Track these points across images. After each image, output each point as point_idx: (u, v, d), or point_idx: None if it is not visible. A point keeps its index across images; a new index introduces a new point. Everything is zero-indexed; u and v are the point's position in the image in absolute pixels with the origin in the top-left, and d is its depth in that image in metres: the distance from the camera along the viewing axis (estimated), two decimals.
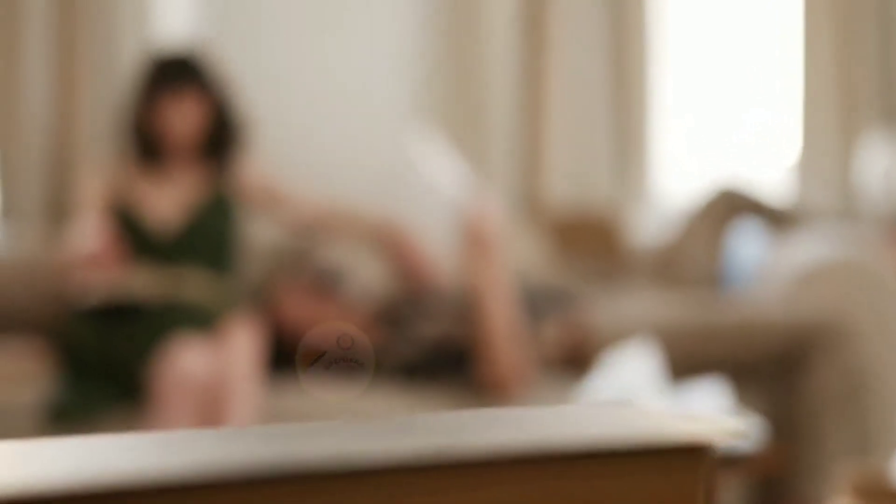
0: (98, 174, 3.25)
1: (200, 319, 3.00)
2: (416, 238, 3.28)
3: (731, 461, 2.64)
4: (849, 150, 3.88)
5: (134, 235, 3.13)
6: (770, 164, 3.95)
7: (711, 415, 2.19)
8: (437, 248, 3.26)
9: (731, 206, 3.56)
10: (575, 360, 3.19)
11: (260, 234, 3.41)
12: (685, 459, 0.70)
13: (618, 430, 0.69)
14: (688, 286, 3.54)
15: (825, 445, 3.12)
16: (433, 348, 3.09)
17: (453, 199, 3.20)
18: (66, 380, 2.99)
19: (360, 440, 0.65)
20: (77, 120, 3.55)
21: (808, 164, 3.87)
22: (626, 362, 2.73)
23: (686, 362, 3.06)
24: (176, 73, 3.20)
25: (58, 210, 3.55)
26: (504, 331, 3.03)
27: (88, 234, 3.06)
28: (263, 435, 0.69)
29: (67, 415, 2.91)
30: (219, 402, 2.88)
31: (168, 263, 3.11)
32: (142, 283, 3.05)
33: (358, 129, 3.75)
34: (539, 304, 3.24)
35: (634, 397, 2.58)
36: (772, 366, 3.16)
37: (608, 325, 3.17)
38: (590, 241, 3.67)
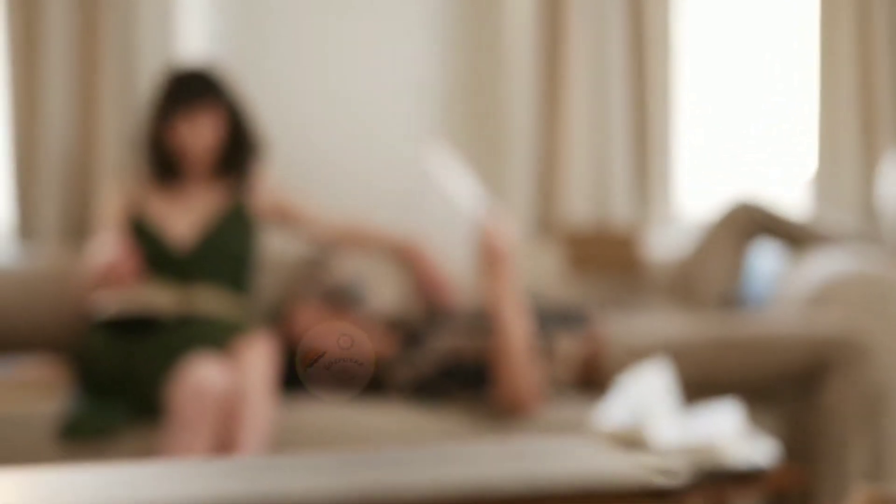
0: (116, 190, 3.26)
1: (216, 335, 3.01)
2: (433, 255, 3.28)
3: (745, 481, 2.63)
4: (867, 169, 3.87)
5: (151, 251, 3.14)
6: (788, 182, 3.94)
7: (695, 443, 2.13)
8: (454, 266, 3.27)
9: (749, 223, 3.55)
10: (591, 379, 3.19)
11: (275, 249, 3.41)
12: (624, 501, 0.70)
13: (555, 473, 0.69)
14: (706, 304, 3.53)
15: (842, 466, 3.10)
16: (444, 361, 3.09)
17: (470, 217, 3.20)
18: (82, 394, 3.00)
19: (314, 478, 0.66)
20: (96, 137, 3.56)
21: (826, 182, 3.86)
22: (641, 384, 2.72)
23: (702, 380, 3.05)
24: (192, 89, 3.21)
25: (77, 227, 3.56)
26: (520, 349, 3.03)
27: (105, 249, 3.07)
28: (232, 470, 0.70)
29: (83, 429, 2.92)
30: (234, 419, 2.89)
31: (184, 279, 3.12)
32: (158, 298, 3.06)
33: (375, 147, 3.75)
34: (555, 321, 3.23)
35: (648, 419, 2.57)
36: (788, 384, 3.15)
37: (624, 343, 3.17)
38: (607, 258, 3.66)
